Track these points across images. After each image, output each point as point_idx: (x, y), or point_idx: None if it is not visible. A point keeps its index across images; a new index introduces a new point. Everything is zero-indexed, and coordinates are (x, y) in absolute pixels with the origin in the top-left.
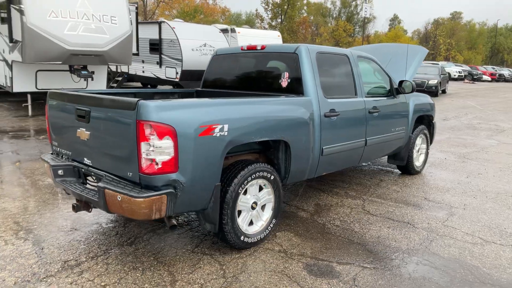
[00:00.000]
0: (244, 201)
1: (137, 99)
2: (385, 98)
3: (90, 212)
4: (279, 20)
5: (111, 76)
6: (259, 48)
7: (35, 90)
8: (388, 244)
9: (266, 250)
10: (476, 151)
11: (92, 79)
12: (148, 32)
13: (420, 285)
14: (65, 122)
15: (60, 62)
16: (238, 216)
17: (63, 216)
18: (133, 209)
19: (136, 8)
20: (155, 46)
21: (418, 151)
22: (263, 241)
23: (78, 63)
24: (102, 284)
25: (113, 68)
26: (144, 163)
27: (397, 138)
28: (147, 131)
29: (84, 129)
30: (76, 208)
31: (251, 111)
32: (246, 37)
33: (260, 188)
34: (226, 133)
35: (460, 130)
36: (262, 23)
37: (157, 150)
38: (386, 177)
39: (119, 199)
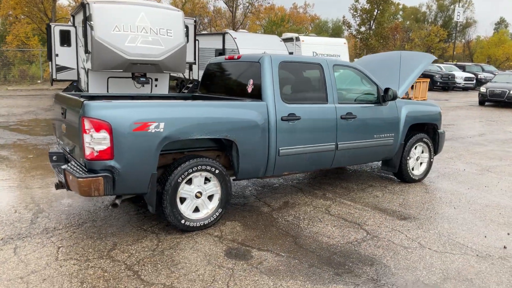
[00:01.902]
0: (187, 190)
1: (84, 99)
2: (366, 104)
3: (68, 190)
4: (368, 26)
5: (184, 83)
6: (235, 57)
7: (106, 94)
8: (320, 239)
9: (206, 234)
10: (509, 164)
11: (156, 86)
12: (215, 43)
13: (312, 273)
14: (58, 117)
15: (122, 70)
16: (182, 203)
17: (68, 195)
18: (77, 187)
19: (195, 21)
20: (220, 55)
21: (417, 160)
22: (207, 226)
23: (137, 71)
24: (59, 245)
25: (187, 76)
26: (87, 151)
27: (383, 144)
28: (87, 125)
29: (64, 124)
30: (56, 186)
31: (190, 112)
32: (310, 45)
33: (208, 180)
34: (162, 130)
35: None
36: (349, 30)
37: (95, 141)
38: (378, 183)
39: (71, 179)
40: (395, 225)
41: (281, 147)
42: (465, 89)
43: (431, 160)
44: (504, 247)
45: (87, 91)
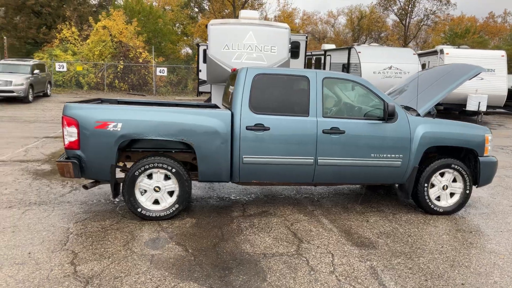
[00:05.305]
0: (146, 183)
1: (69, 102)
2: (364, 120)
3: None
4: None
5: None
6: (234, 70)
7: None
8: (241, 246)
9: (155, 223)
10: None
11: None
12: (342, 57)
13: (189, 270)
14: None
15: None
16: (143, 194)
17: None
18: (57, 168)
19: (306, 37)
20: (345, 70)
21: (444, 189)
22: (163, 218)
23: None
24: (49, 213)
25: None
26: (65, 141)
27: (385, 165)
28: (64, 121)
29: None
30: None
31: (146, 116)
32: (455, 58)
33: (169, 178)
34: (119, 129)
35: None
36: None
37: (68, 134)
38: (390, 210)
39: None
40: (338, 249)
41: (244, 155)
42: None
43: (467, 191)
44: None
45: (210, 100)
